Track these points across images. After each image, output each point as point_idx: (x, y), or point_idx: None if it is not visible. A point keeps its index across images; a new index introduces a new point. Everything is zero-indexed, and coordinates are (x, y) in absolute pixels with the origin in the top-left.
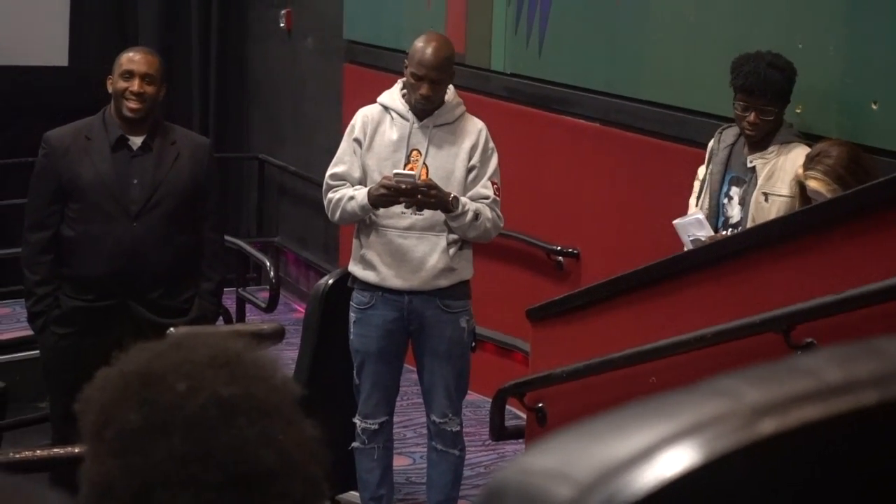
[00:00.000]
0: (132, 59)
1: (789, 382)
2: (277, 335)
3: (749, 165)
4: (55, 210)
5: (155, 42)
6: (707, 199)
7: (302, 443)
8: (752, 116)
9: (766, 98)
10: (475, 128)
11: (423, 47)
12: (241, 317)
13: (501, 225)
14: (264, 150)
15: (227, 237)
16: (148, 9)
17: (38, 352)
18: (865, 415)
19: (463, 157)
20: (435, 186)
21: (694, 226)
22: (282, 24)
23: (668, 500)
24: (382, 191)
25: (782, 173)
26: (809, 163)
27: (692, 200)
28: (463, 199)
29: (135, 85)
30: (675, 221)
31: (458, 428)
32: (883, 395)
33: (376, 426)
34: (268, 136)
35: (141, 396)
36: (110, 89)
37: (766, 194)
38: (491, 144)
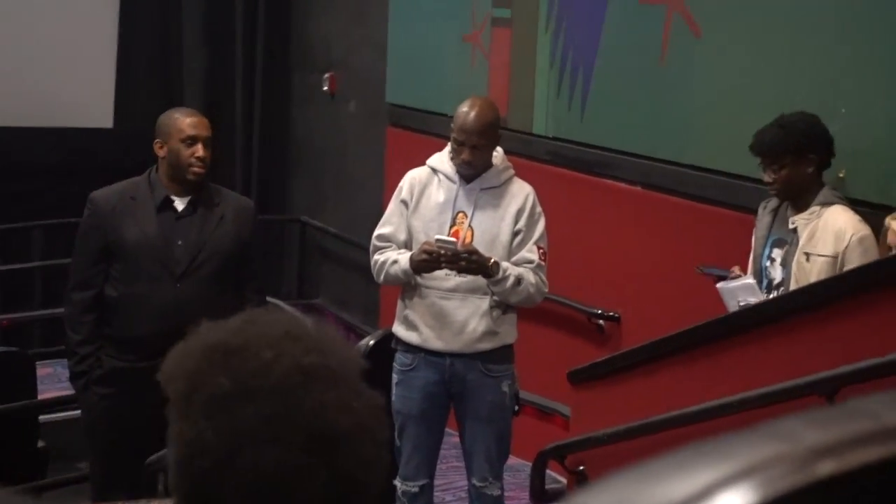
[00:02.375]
0: (194, 124)
1: (848, 424)
2: None
3: (791, 226)
4: (100, 270)
5: (200, 104)
6: (751, 264)
7: (371, 409)
8: (766, 175)
9: (770, 156)
10: (522, 192)
11: (465, 112)
12: None
13: (545, 290)
14: (306, 212)
15: (268, 298)
16: (193, 71)
17: (78, 411)
18: None
19: (509, 220)
20: (475, 252)
21: (745, 291)
22: (325, 88)
23: None
24: (424, 256)
25: (823, 233)
26: None
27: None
28: (504, 265)
29: (200, 150)
30: (719, 285)
31: (498, 492)
32: None
33: (417, 489)
34: (310, 198)
35: (228, 364)
36: (161, 153)
37: (807, 254)
38: (538, 209)
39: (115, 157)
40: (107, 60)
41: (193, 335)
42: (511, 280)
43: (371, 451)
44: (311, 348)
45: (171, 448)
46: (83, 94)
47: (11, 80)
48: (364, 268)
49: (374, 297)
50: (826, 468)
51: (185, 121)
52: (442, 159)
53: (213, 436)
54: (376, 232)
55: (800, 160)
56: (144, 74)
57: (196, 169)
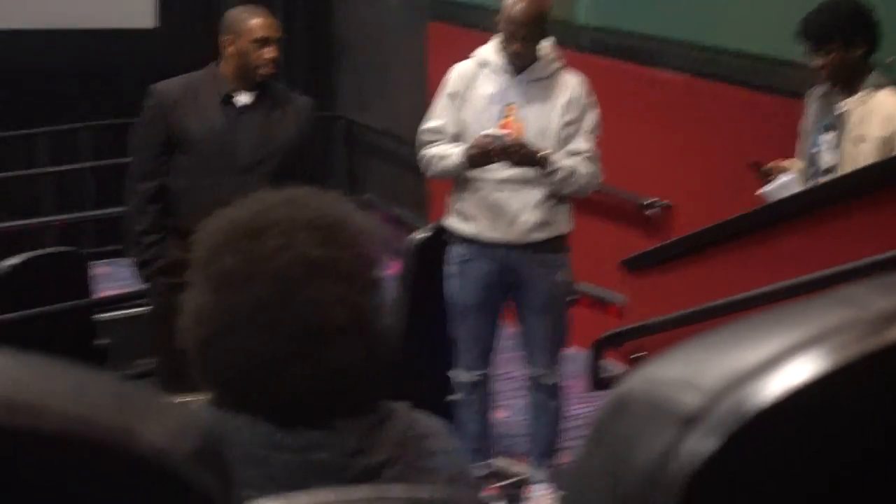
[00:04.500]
0: (266, 25)
1: None
2: None
3: (840, 111)
4: (163, 161)
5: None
6: (799, 152)
7: (373, 308)
8: (816, 61)
9: (818, 41)
10: (573, 82)
11: (513, 3)
12: None
13: (600, 179)
14: (350, 109)
15: None
16: None
17: (136, 310)
18: None
19: (558, 111)
20: (524, 145)
21: (786, 189)
22: None
23: (796, 407)
24: (475, 150)
25: (872, 117)
26: None
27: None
28: (554, 157)
29: (272, 51)
30: (761, 191)
31: (557, 381)
32: None
33: (476, 378)
34: (353, 95)
35: (240, 245)
36: (230, 50)
37: (856, 138)
38: (590, 99)
39: (158, 56)
40: None
41: (231, 207)
42: (561, 172)
43: (364, 346)
44: (326, 241)
45: (182, 311)
46: None
47: None
48: (411, 163)
49: (422, 192)
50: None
51: (257, 21)
52: (489, 51)
53: (214, 308)
54: (425, 125)
55: (848, 44)
56: None
57: (265, 70)
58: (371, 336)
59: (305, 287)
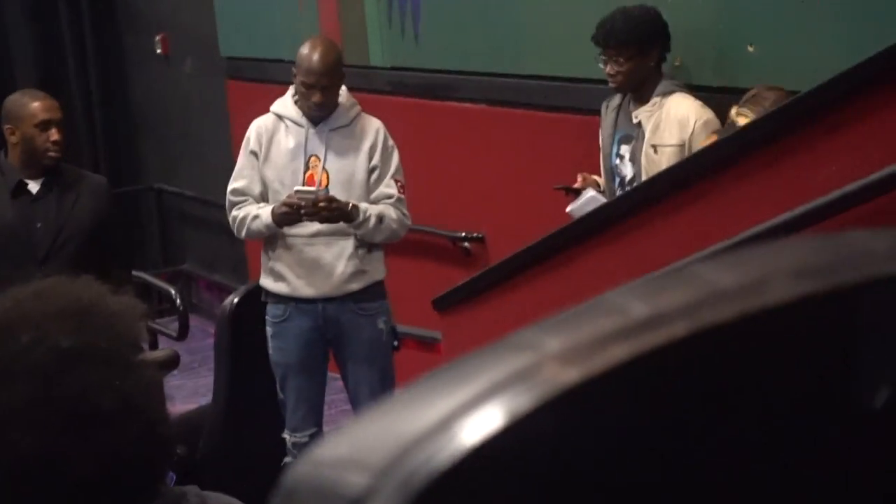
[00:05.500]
0: (47, 107)
1: (592, 324)
2: (171, 363)
3: (635, 121)
4: None
5: (32, 82)
6: (601, 165)
7: (140, 386)
8: (608, 67)
9: (615, 47)
10: (372, 127)
11: (308, 54)
12: (153, 348)
13: (408, 223)
14: (159, 178)
15: (133, 272)
16: (21, 50)
17: None
18: (676, 348)
19: (363, 158)
20: (334, 199)
21: (591, 204)
22: (158, 50)
23: (473, 468)
24: (284, 209)
25: (667, 124)
26: (744, 103)
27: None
28: (363, 206)
29: (55, 134)
30: (569, 209)
31: None
32: (692, 325)
33: (306, 439)
34: (161, 164)
35: None
36: (14, 139)
37: (654, 146)
38: (390, 142)
39: None
40: None
41: None
42: (372, 221)
43: (137, 428)
44: (80, 328)
45: None
46: None
47: None
48: (226, 226)
49: (240, 254)
50: (572, 375)
51: (37, 105)
52: (286, 104)
53: None
54: (230, 186)
55: (645, 52)
56: None
57: (52, 153)
58: (143, 418)
59: (64, 378)
